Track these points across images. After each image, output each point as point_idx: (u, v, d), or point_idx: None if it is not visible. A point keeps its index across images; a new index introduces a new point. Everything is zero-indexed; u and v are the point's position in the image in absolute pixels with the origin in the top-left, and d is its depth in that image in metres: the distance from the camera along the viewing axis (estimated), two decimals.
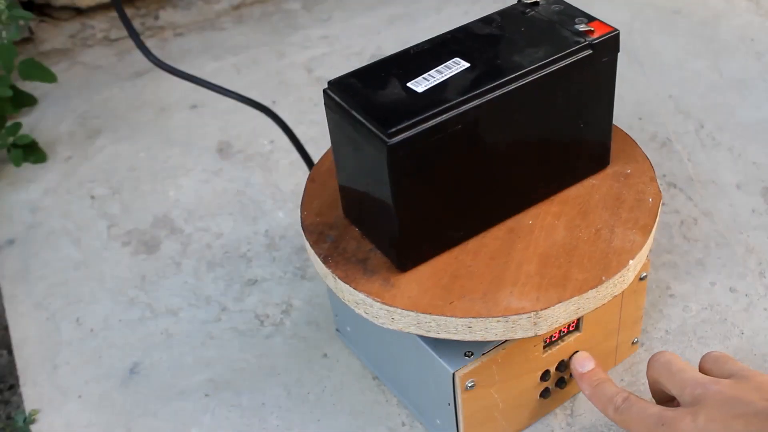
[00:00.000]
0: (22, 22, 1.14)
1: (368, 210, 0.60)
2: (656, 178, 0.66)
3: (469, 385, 0.59)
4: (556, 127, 0.61)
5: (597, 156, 0.66)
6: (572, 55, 0.58)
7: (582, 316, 0.61)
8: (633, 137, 0.70)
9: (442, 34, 0.61)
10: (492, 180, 0.60)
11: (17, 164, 1.00)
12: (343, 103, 0.56)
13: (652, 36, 1.11)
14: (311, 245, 0.61)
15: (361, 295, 0.58)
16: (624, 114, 0.97)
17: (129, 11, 1.22)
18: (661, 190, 0.65)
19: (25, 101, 1.09)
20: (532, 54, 0.58)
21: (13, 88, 1.02)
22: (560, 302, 0.57)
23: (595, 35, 0.59)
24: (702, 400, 0.55)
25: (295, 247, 0.86)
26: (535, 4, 0.62)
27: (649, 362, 0.61)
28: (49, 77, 1.01)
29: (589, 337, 0.65)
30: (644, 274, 0.65)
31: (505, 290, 0.58)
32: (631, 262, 0.59)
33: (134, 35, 0.89)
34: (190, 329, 0.79)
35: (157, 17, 1.25)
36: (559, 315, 0.57)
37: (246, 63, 1.15)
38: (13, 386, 0.89)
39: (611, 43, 0.59)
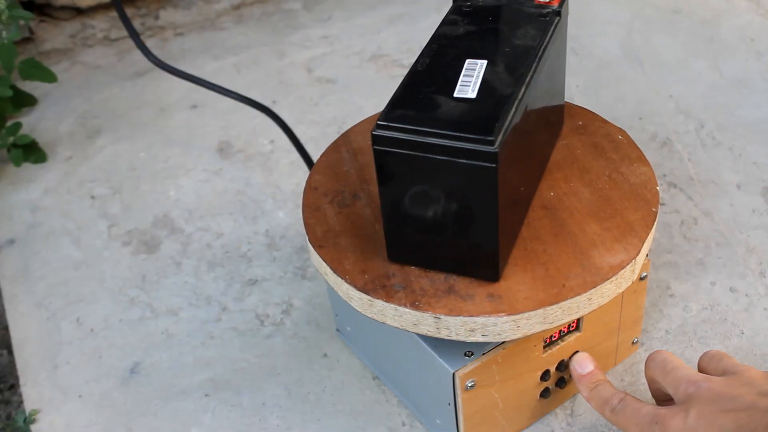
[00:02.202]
0: (22, 22, 1.14)
1: (438, 239, 0.57)
2: (606, 119, 0.71)
3: (470, 385, 0.59)
4: (548, 96, 0.63)
5: (561, 117, 0.69)
6: (552, 25, 0.60)
7: (582, 316, 0.61)
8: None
9: (429, 47, 0.59)
10: (528, 163, 0.61)
11: (17, 164, 1.00)
12: (410, 136, 0.52)
13: (653, 36, 1.11)
14: (388, 301, 0.57)
15: (481, 319, 0.56)
16: (624, 114, 0.97)
17: (129, 11, 1.22)
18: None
19: (25, 101, 1.09)
20: (527, 34, 0.59)
21: (14, 88, 1.02)
22: (643, 242, 0.60)
23: (556, 2, 0.61)
24: (694, 397, 0.55)
25: (296, 247, 0.86)
26: None
27: (646, 361, 0.62)
28: (49, 77, 1.01)
29: (590, 336, 0.65)
30: (644, 274, 0.65)
31: (594, 255, 0.59)
32: (658, 188, 0.64)
33: (134, 35, 0.89)
34: (190, 329, 0.79)
35: (157, 17, 1.25)
36: (643, 254, 0.60)
37: (246, 63, 1.15)
38: (13, 386, 0.89)
39: (565, 4, 0.62)
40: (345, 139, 0.71)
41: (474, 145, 0.51)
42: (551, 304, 0.56)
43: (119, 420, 0.72)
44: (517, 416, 0.65)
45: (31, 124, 1.08)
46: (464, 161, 0.51)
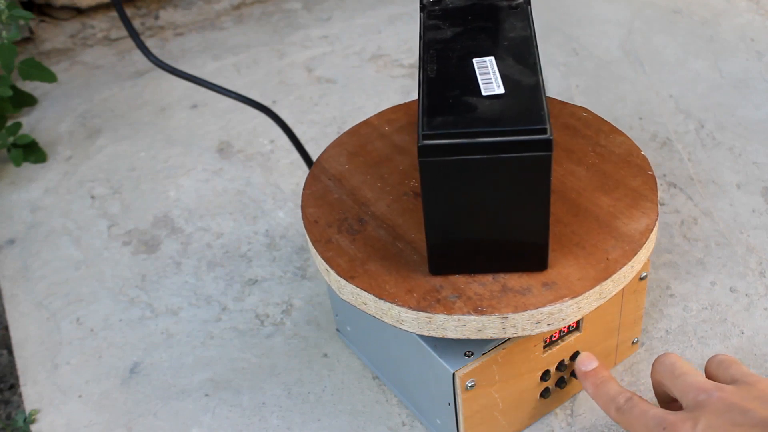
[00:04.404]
0: (22, 22, 1.14)
1: (486, 240, 0.57)
2: (563, 101, 0.73)
3: (470, 385, 0.59)
4: None
5: None
6: (530, 14, 0.62)
7: (582, 316, 0.61)
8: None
9: (427, 54, 0.59)
10: None
11: (17, 164, 1.00)
12: (459, 140, 0.52)
13: (653, 35, 1.11)
14: (449, 314, 0.57)
15: (547, 309, 0.56)
16: (624, 114, 0.97)
17: (129, 11, 1.22)
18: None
19: (25, 101, 1.09)
20: (515, 26, 0.60)
21: (13, 88, 1.02)
22: (657, 204, 0.63)
23: None
24: (704, 406, 0.55)
25: (296, 247, 0.86)
26: (438, 3, 0.63)
27: (653, 364, 0.61)
28: (49, 77, 1.02)
29: (590, 336, 0.65)
30: (644, 274, 0.65)
31: (619, 225, 0.61)
32: (643, 153, 0.67)
33: (134, 35, 0.89)
34: (190, 329, 0.79)
35: (157, 17, 1.25)
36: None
37: (246, 63, 1.15)
38: (13, 386, 0.89)
39: None
40: (319, 167, 0.69)
41: (528, 136, 0.51)
42: (605, 279, 0.58)
43: (119, 420, 0.72)
44: (517, 416, 0.65)
45: (31, 124, 1.08)
46: (518, 154, 0.52)
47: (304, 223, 0.65)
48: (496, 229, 0.56)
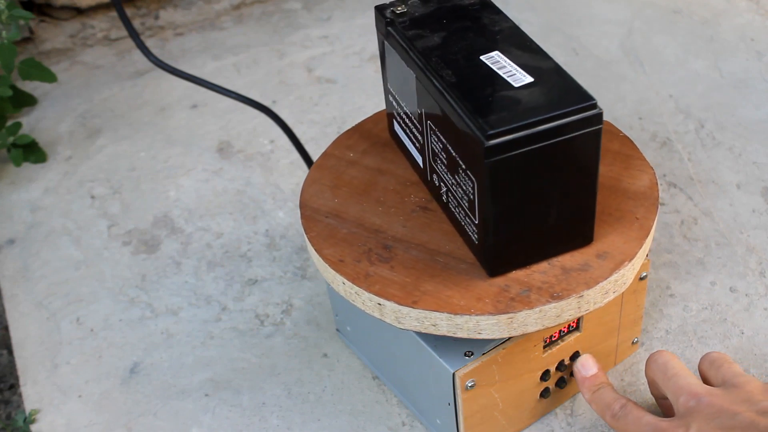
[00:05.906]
0: (22, 22, 1.15)
1: (541, 228, 0.57)
2: None
3: (470, 384, 0.60)
4: None
5: None
6: (495, 5, 0.63)
7: (582, 316, 0.61)
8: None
9: (431, 61, 0.58)
10: None
11: (17, 164, 1.00)
12: (521, 133, 0.52)
13: (653, 35, 1.11)
14: (531, 308, 0.56)
15: (613, 277, 0.57)
16: (624, 113, 0.97)
17: (129, 11, 1.22)
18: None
19: (25, 101, 1.09)
20: (495, 20, 0.61)
21: (13, 88, 1.02)
22: (646, 160, 0.66)
23: None
24: (694, 411, 0.56)
25: (296, 247, 0.86)
26: (404, 14, 0.63)
27: (647, 361, 0.62)
28: (49, 77, 1.02)
29: (589, 336, 0.65)
30: (644, 274, 0.66)
31: (626, 186, 0.63)
32: (612, 124, 0.69)
33: (134, 35, 0.89)
34: (190, 329, 0.79)
35: (157, 17, 1.25)
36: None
37: (246, 63, 1.15)
38: (13, 386, 0.89)
39: None
40: (309, 209, 0.66)
41: (582, 114, 0.53)
42: (646, 237, 0.60)
43: (119, 420, 0.72)
44: (517, 416, 0.65)
45: (31, 124, 1.08)
46: (574, 134, 0.53)
47: (328, 266, 0.61)
48: (551, 213, 0.57)
